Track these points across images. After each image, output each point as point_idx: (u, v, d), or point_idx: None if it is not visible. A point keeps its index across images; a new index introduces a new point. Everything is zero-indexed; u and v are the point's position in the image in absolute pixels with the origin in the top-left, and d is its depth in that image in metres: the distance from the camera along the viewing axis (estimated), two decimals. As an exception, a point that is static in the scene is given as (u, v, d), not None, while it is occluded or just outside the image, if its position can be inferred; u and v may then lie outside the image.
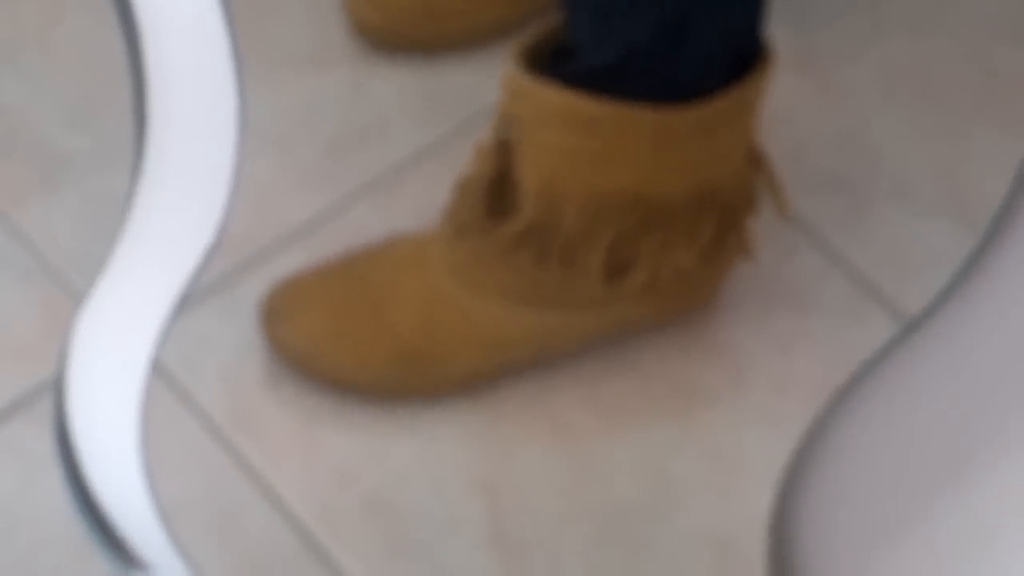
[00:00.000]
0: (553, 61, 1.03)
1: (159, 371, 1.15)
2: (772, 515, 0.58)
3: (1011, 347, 0.55)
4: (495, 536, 1.11)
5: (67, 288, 1.18)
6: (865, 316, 1.18)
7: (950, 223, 1.21)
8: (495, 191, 1.09)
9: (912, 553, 0.55)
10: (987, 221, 1.21)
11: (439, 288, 1.12)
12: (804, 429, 1.13)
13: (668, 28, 0.97)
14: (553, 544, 1.10)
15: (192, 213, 0.46)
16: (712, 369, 1.16)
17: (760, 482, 1.12)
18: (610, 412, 1.15)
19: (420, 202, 1.21)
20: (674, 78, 1.00)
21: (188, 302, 1.17)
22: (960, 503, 0.54)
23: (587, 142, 1.02)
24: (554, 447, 1.13)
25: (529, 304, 1.11)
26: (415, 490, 1.12)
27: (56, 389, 0.50)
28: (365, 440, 1.13)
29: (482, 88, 1.25)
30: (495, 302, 1.11)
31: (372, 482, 1.12)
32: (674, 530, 1.11)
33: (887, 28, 1.29)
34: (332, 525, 1.11)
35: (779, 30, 1.29)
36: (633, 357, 1.16)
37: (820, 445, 0.60)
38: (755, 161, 1.09)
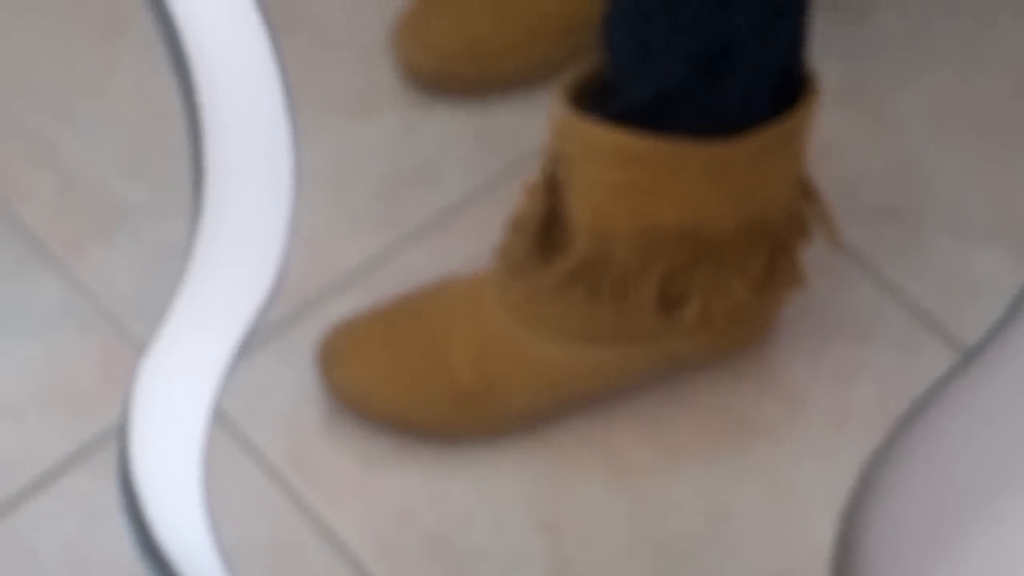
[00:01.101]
0: (600, 98, 1.04)
1: (219, 416, 1.16)
2: (834, 548, 0.58)
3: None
4: (556, 574, 1.11)
5: (127, 336, 1.19)
6: (921, 346, 1.17)
7: (1004, 252, 1.21)
8: (546, 229, 1.09)
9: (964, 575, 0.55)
10: (1042, 248, 1.21)
11: (494, 327, 1.12)
12: (863, 462, 1.12)
13: (707, 63, 0.97)
14: (614, 581, 1.10)
15: (251, 260, 0.46)
16: (769, 402, 1.16)
17: (820, 515, 1.11)
18: (668, 448, 1.14)
19: (472, 243, 1.22)
20: (718, 112, 1.00)
21: (247, 348, 1.18)
22: (1009, 532, 0.54)
23: (634, 177, 1.02)
24: (613, 484, 1.13)
25: (584, 340, 1.11)
26: (475, 529, 1.12)
27: (119, 437, 0.51)
28: (424, 480, 1.14)
29: (531, 128, 1.26)
30: (550, 339, 1.11)
31: (432, 522, 1.12)
32: (735, 566, 1.11)
33: (935, 59, 1.29)
34: (392, 565, 1.11)
35: (827, 62, 1.29)
36: (689, 392, 1.16)
37: (880, 477, 0.60)
38: (805, 192, 1.09)
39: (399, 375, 1.12)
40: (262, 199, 0.46)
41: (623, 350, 1.12)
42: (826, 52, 1.29)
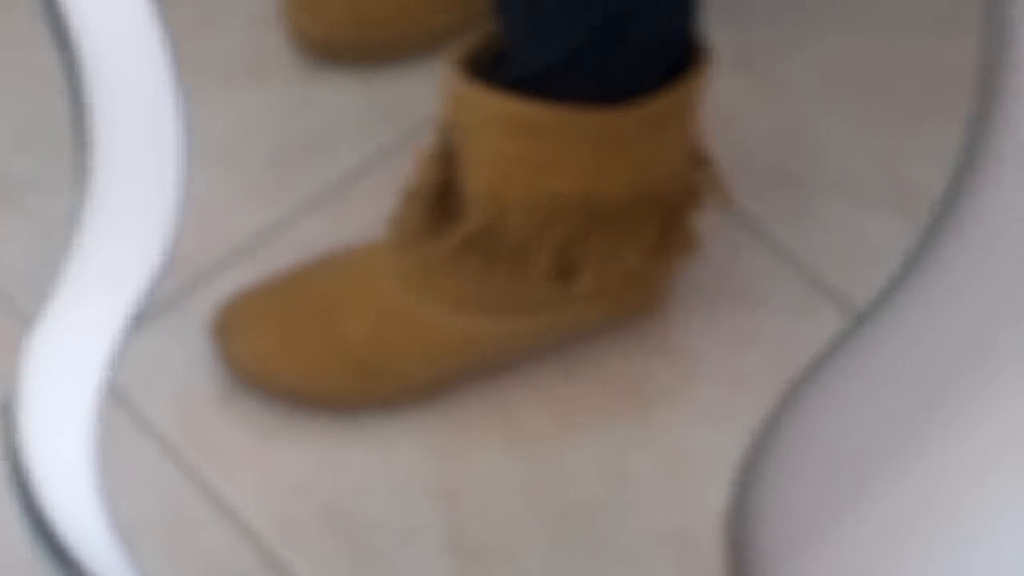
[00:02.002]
0: (493, 66, 1.04)
1: (113, 391, 1.14)
2: (728, 510, 0.58)
3: (954, 338, 0.55)
4: (455, 543, 1.11)
5: (13, 312, 1.17)
6: (814, 310, 1.18)
7: (894, 215, 1.22)
8: (441, 198, 1.09)
9: (858, 537, 0.55)
10: (929, 212, 1.22)
11: (389, 297, 1.12)
12: (757, 425, 1.13)
13: (601, 32, 0.97)
14: (513, 548, 1.11)
15: (139, 232, 0.46)
16: (664, 368, 1.16)
17: (716, 479, 1.12)
18: (564, 415, 1.15)
19: (367, 213, 1.21)
20: (612, 80, 1.01)
21: (138, 321, 1.17)
22: (904, 488, 0.54)
23: (528, 146, 1.02)
24: (511, 452, 1.14)
25: (479, 310, 1.11)
26: (373, 500, 1.12)
27: (6, 413, 0.50)
28: (321, 452, 1.13)
29: (425, 97, 1.25)
30: (445, 309, 1.11)
31: (329, 494, 1.12)
32: (633, 530, 1.11)
33: (823, 25, 1.30)
34: (290, 538, 1.10)
35: (717, 29, 1.29)
36: (586, 360, 1.16)
37: (773, 439, 0.61)
38: (697, 159, 1.09)
39: (294, 347, 1.12)
40: (149, 170, 0.45)
41: (519, 319, 1.12)
42: (714, 19, 1.30)
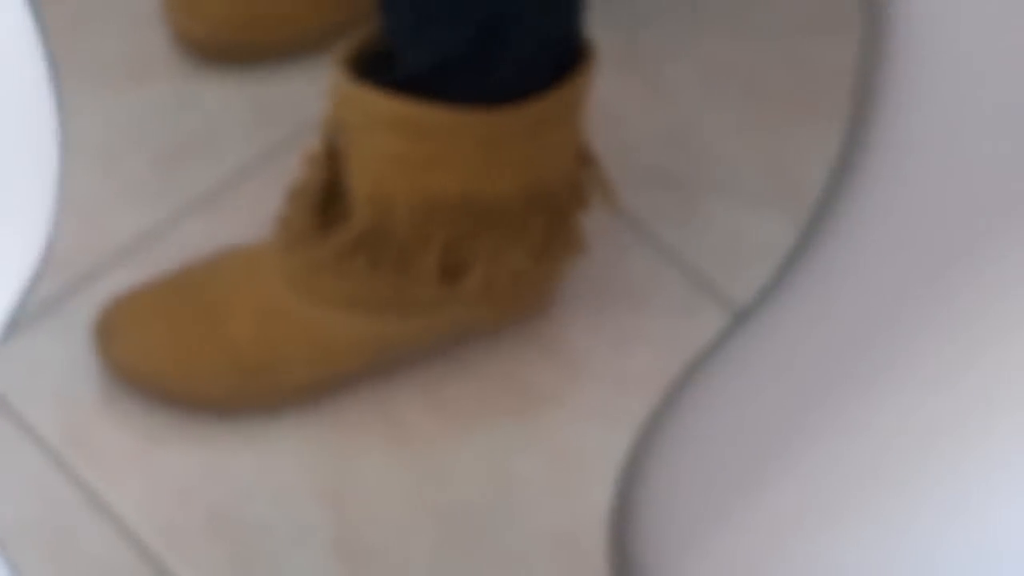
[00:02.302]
0: (379, 66, 1.03)
1: (-10, 395, 1.13)
2: (611, 509, 0.59)
3: (832, 335, 0.56)
4: (340, 545, 1.10)
5: None
6: (699, 310, 1.19)
7: (778, 215, 1.23)
8: (326, 199, 1.08)
9: (742, 535, 0.56)
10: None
11: (275, 299, 1.11)
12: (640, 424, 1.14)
13: (483, 33, 0.98)
14: (399, 550, 1.10)
15: (14, 233, 0.45)
16: (550, 369, 1.17)
17: (602, 479, 1.13)
18: (451, 416, 1.15)
19: (252, 214, 1.20)
20: (496, 81, 1.01)
21: (17, 324, 1.15)
22: (786, 485, 0.55)
23: (413, 146, 1.02)
24: (396, 453, 1.13)
25: (365, 311, 1.11)
26: (258, 504, 1.11)
27: None
28: (205, 456, 1.12)
29: (310, 97, 1.25)
30: (331, 310, 1.11)
31: (214, 498, 1.11)
32: (518, 530, 1.11)
33: (706, 26, 1.31)
34: (175, 543, 1.09)
35: (602, 30, 1.30)
36: (471, 360, 1.16)
37: (656, 438, 0.61)
38: (583, 159, 1.10)
39: (178, 349, 1.11)
40: (25, 170, 0.44)
41: (406, 320, 1.12)
42: (602, 20, 1.31)
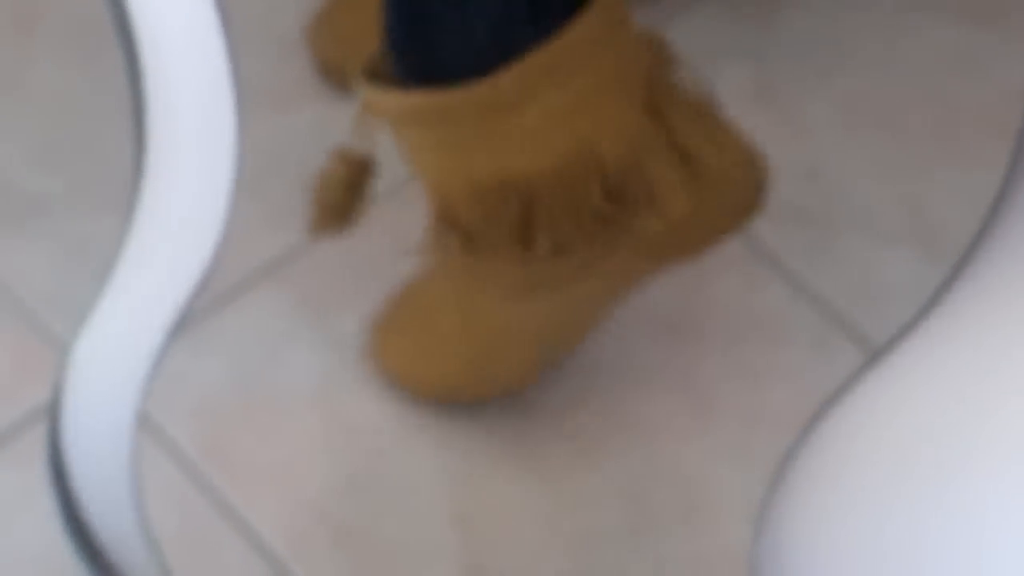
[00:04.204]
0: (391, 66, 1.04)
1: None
2: (752, 545, 0.59)
3: (972, 379, 0.56)
4: (471, 571, 1.11)
5: (39, 330, 1.18)
6: (832, 347, 1.19)
7: (913, 253, 1.22)
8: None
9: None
10: (949, 251, 1.22)
11: (470, 301, 1.12)
12: (775, 461, 1.14)
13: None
14: (529, 574, 1.11)
15: (186, 247, 0.46)
16: (682, 402, 1.17)
17: (732, 513, 1.13)
18: (583, 446, 1.15)
19: (386, 235, 1.22)
20: (482, 43, 0.99)
21: (177, 333, 1.17)
22: (925, 526, 0.55)
23: (429, 133, 1.01)
24: (527, 480, 1.14)
25: (519, 294, 1.10)
26: (389, 523, 1.12)
27: (49, 421, 0.50)
28: (340, 472, 1.13)
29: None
30: (499, 301, 1.11)
31: (346, 514, 1.12)
32: (649, 560, 1.11)
33: (848, 61, 1.30)
34: (303, 557, 1.11)
35: (741, 62, 1.30)
36: (605, 394, 1.17)
37: (793, 477, 0.61)
38: (652, 113, 1.04)
39: (433, 351, 1.13)
40: (202, 187, 0.46)
41: (559, 293, 1.10)
42: (739, 51, 1.31)
